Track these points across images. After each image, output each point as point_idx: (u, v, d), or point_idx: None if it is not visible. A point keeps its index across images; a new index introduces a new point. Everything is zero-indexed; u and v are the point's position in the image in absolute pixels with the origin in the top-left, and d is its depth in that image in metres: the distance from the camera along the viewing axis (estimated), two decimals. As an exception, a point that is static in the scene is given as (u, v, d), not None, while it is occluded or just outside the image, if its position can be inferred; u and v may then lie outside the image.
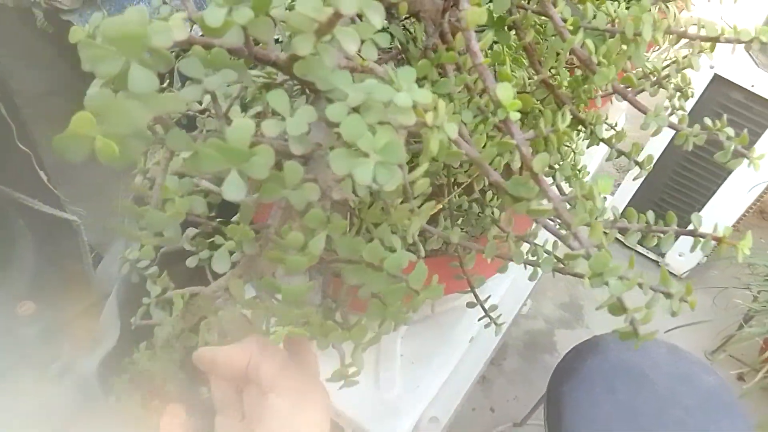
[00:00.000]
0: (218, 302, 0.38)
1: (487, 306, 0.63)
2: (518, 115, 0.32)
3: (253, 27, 0.28)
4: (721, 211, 1.80)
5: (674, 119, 0.50)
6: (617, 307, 0.32)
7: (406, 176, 0.31)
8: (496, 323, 0.62)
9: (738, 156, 0.43)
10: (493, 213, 0.60)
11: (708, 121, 0.45)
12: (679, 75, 0.48)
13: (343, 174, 0.27)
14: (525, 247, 0.55)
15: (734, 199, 1.77)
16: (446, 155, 0.33)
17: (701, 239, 0.40)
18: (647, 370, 1.19)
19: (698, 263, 2.02)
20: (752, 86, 1.50)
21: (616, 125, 0.61)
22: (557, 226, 0.36)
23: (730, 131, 0.44)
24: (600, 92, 0.55)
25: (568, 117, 0.37)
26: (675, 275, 2.03)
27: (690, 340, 1.83)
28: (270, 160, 0.28)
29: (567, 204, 0.34)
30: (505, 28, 0.50)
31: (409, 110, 0.27)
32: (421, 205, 0.38)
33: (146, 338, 0.57)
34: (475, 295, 0.61)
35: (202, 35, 0.33)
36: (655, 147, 1.82)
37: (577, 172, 0.63)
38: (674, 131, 0.52)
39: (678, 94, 0.57)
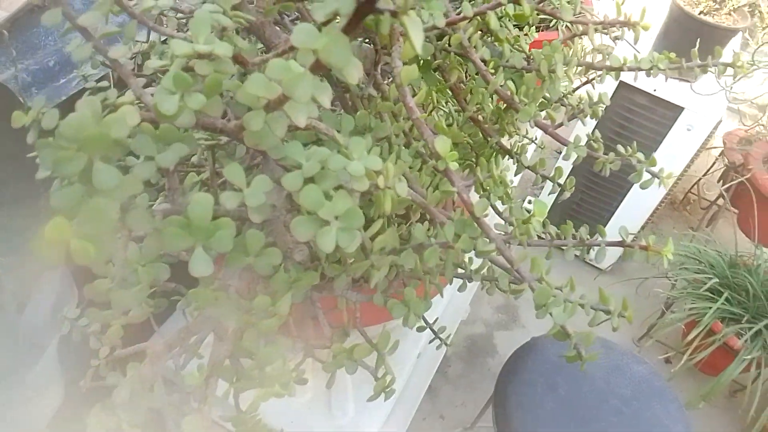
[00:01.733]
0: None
1: (435, 327, 0.66)
2: (456, 165, 0.35)
3: (205, 108, 0.29)
4: (636, 205, 1.93)
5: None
6: (562, 334, 0.35)
7: (363, 235, 0.32)
8: (446, 344, 0.64)
9: (650, 177, 0.47)
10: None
11: (621, 148, 0.50)
12: (591, 109, 0.53)
13: (305, 240, 0.28)
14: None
15: (647, 193, 1.89)
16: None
17: (630, 248, 0.44)
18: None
19: (619, 257, 2.15)
20: (654, 90, 1.62)
21: (542, 143, 0.65)
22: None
23: (641, 156, 0.48)
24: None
25: (501, 163, 0.40)
26: (600, 269, 2.15)
27: (618, 331, 1.94)
28: (233, 231, 0.29)
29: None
30: (431, 70, 0.53)
31: (362, 177, 0.29)
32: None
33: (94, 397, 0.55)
34: (425, 320, 0.64)
35: (147, 111, 0.33)
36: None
37: (508, 192, 0.67)
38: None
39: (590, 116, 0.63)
